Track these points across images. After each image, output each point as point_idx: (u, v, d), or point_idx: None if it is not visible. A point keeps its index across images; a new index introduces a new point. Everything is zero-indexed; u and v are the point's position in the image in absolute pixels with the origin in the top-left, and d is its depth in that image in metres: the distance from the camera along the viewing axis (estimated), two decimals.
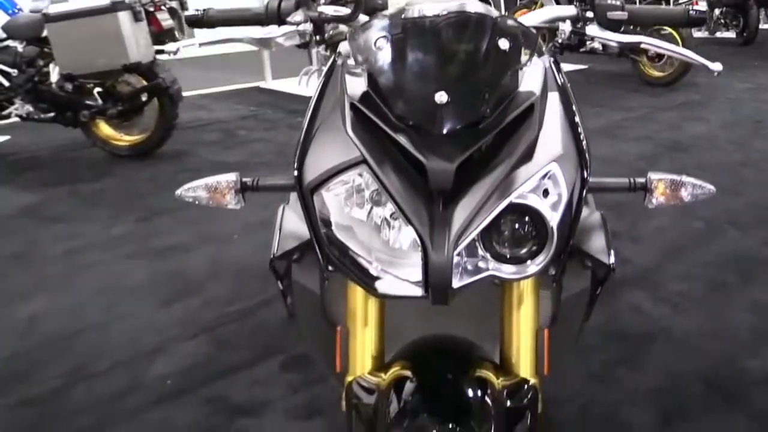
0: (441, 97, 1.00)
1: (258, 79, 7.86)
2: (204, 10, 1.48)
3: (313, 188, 1.03)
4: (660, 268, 3.17)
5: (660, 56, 6.78)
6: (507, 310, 1.19)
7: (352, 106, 1.08)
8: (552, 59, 1.28)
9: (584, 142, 1.10)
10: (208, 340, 2.65)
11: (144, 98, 4.74)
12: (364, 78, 1.07)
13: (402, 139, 1.01)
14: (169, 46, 2.02)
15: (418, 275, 0.99)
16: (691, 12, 1.38)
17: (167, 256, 3.36)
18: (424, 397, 1.07)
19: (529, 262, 1.02)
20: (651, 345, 2.59)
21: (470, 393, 1.09)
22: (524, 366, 1.17)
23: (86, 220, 3.85)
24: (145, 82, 4.71)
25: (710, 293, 2.95)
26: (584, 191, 1.06)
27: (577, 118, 1.15)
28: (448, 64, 1.05)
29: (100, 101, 4.74)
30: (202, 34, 1.70)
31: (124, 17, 4.33)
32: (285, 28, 1.42)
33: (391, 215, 1.03)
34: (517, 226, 1.01)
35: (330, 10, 1.41)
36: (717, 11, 10.00)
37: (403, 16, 1.13)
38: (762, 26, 10.46)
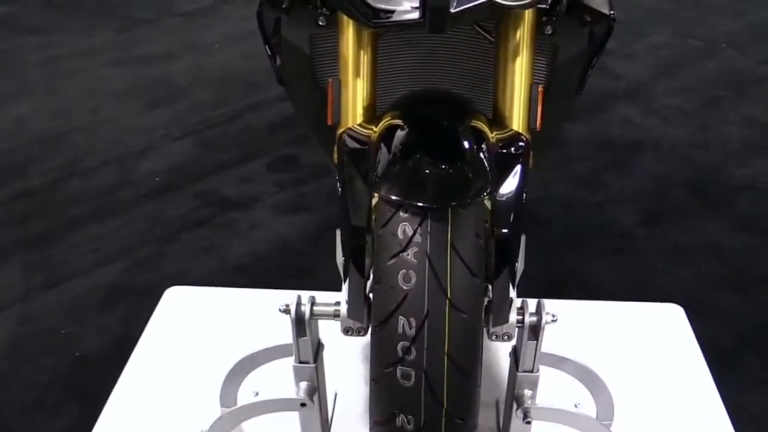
0: None
1: None
2: None
3: None
4: (653, 84, 3.12)
5: None
6: (501, 65, 1.16)
7: None
8: None
9: None
10: (194, 141, 2.64)
11: None
12: None
13: None
14: None
15: (415, 1, 0.95)
16: None
17: (150, 64, 3.26)
18: (417, 140, 1.06)
19: None
20: (640, 154, 2.60)
21: (464, 142, 1.07)
22: (517, 120, 1.15)
23: (65, 30, 3.69)
24: None
25: (702, 107, 2.93)
26: None
27: None
28: None
29: None
30: None
31: None
32: None
33: None
34: None
35: None
36: None
37: None
38: None
